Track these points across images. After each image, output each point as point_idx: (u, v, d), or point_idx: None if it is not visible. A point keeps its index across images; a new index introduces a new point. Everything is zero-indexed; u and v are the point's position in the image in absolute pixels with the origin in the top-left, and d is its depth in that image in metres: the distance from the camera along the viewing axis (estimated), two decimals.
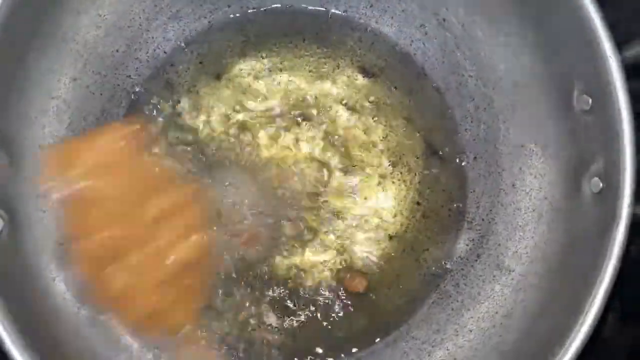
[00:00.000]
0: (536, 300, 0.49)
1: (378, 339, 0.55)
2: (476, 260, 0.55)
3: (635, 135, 0.44)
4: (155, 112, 0.57)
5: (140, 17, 0.56)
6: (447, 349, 0.53)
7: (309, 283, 0.55)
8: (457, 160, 0.57)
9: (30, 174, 0.51)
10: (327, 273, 0.55)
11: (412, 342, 0.54)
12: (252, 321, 0.54)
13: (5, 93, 0.48)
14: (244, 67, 0.58)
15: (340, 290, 0.55)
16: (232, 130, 0.57)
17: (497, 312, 0.52)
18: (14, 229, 0.48)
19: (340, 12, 0.59)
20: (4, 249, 0.46)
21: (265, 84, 0.58)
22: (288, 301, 0.55)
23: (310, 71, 0.58)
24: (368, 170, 0.57)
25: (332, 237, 0.56)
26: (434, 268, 0.56)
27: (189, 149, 0.57)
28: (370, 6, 0.58)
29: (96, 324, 0.51)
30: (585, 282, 0.43)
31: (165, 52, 0.58)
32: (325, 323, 0.55)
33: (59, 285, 0.50)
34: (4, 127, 0.48)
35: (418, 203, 0.57)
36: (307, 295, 0.55)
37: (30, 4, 0.47)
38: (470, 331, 0.52)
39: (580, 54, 0.46)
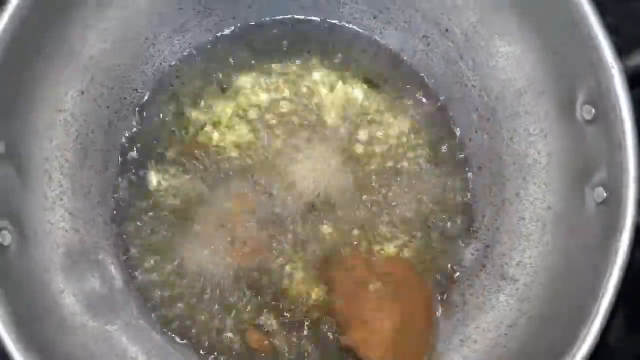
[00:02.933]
0: (541, 310, 0.49)
1: None
2: (481, 270, 0.55)
3: (639, 144, 0.44)
4: (160, 124, 0.58)
5: (146, 31, 0.56)
6: (452, 359, 0.53)
7: (312, 294, 0.55)
8: (462, 170, 0.57)
9: (38, 187, 0.51)
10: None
11: None
12: (252, 328, 0.55)
13: (13, 106, 0.49)
14: (249, 80, 0.58)
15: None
16: (237, 142, 0.57)
17: (502, 322, 0.52)
18: (22, 242, 0.48)
19: (344, 24, 0.59)
20: (13, 261, 0.47)
21: (270, 95, 0.58)
22: (289, 311, 0.55)
23: (315, 82, 0.58)
24: (373, 183, 0.57)
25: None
26: (439, 278, 0.56)
27: (193, 160, 0.57)
28: (374, 18, 0.58)
29: (103, 336, 0.51)
30: (590, 291, 0.43)
31: (170, 65, 0.58)
32: (327, 333, 0.55)
33: (67, 298, 0.51)
34: (12, 140, 0.49)
35: (422, 212, 0.57)
36: (310, 306, 0.55)
37: (38, 19, 0.48)
38: (475, 341, 0.52)
39: (582, 64, 0.46)
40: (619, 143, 0.44)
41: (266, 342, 0.54)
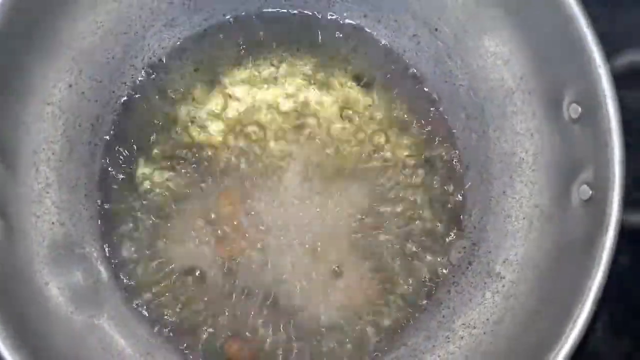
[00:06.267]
0: (526, 307, 0.50)
1: (369, 347, 0.55)
2: (467, 268, 0.55)
3: (624, 143, 0.44)
4: (149, 119, 0.57)
5: (136, 24, 0.56)
6: (438, 356, 0.53)
7: (298, 295, 0.55)
8: (449, 169, 0.58)
9: (25, 179, 0.51)
10: (318, 286, 0.56)
11: (403, 349, 0.54)
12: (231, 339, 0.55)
13: (0, 98, 0.48)
14: (239, 75, 0.59)
15: (333, 300, 0.55)
16: (226, 139, 0.57)
17: (488, 319, 0.52)
18: (8, 233, 0.48)
19: (334, 22, 0.59)
20: None
21: (259, 92, 0.58)
22: (278, 312, 0.55)
23: (304, 80, 0.59)
24: (362, 179, 0.57)
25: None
26: (424, 275, 0.56)
27: (181, 156, 0.57)
28: (364, 16, 0.59)
29: (89, 329, 0.51)
30: (575, 288, 0.44)
31: (160, 60, 0.58)
32: (316, 330, 0.55)
33: (52, 290, 0.50)
34: None
35: (410, 210, 0.57)
36: (298, 308, 0.55)
37: (27, 10, 0.48)
38: (461, 338, 0.52)
39: (570, 64, 0.47)
40: (605, 142, 0.44)
41: (245, 352, 0.54)
